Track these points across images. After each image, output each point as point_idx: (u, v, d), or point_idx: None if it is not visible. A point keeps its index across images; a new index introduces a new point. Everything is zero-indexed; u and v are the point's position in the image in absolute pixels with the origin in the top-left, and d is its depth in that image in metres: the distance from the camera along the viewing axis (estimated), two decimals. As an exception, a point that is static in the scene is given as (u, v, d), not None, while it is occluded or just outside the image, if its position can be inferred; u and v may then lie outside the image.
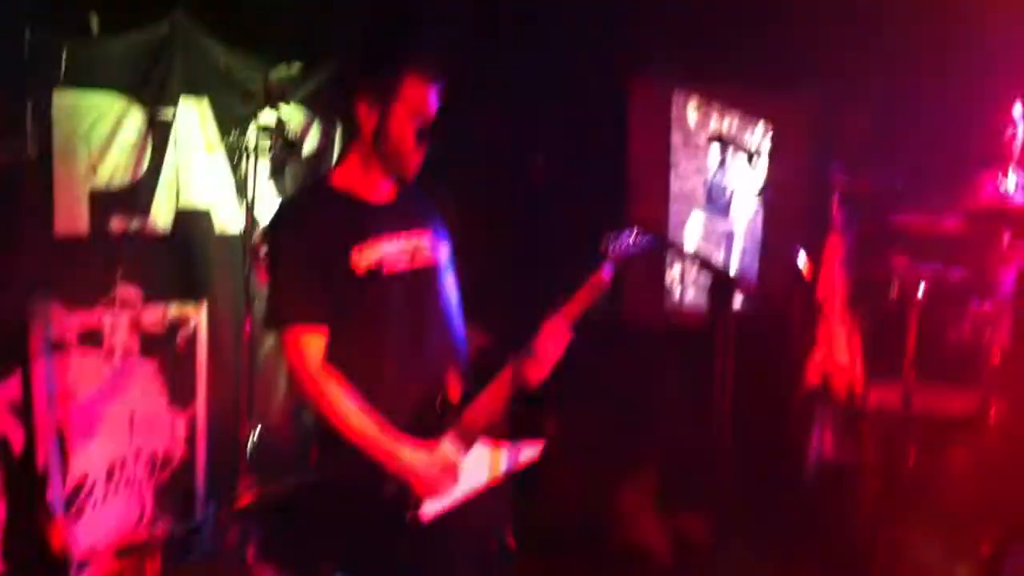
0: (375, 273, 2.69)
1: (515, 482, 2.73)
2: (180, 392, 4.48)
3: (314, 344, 2.65)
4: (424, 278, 2.79)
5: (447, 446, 2.71)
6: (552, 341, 2.76)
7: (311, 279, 2.64)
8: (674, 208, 6.49)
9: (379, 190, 2.79)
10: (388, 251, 2.73)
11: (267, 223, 2.84)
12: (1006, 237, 4.25)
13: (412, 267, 2.76)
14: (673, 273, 6.49)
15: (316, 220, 2.69)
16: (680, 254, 2.74)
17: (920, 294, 4.34)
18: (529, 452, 2.86)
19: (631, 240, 2.85)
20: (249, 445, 4.24)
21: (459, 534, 2.76)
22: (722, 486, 2.40)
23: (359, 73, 2.74)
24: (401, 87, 2.67)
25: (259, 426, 4.27)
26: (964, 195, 4.76)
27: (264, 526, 4.18)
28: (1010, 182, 4.89)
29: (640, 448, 5.40)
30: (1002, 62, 5.24)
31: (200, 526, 4.47)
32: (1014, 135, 4.82)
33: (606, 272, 2.82)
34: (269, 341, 4.74)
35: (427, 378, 2.76)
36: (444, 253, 2.87)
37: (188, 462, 4.53)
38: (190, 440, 4.52)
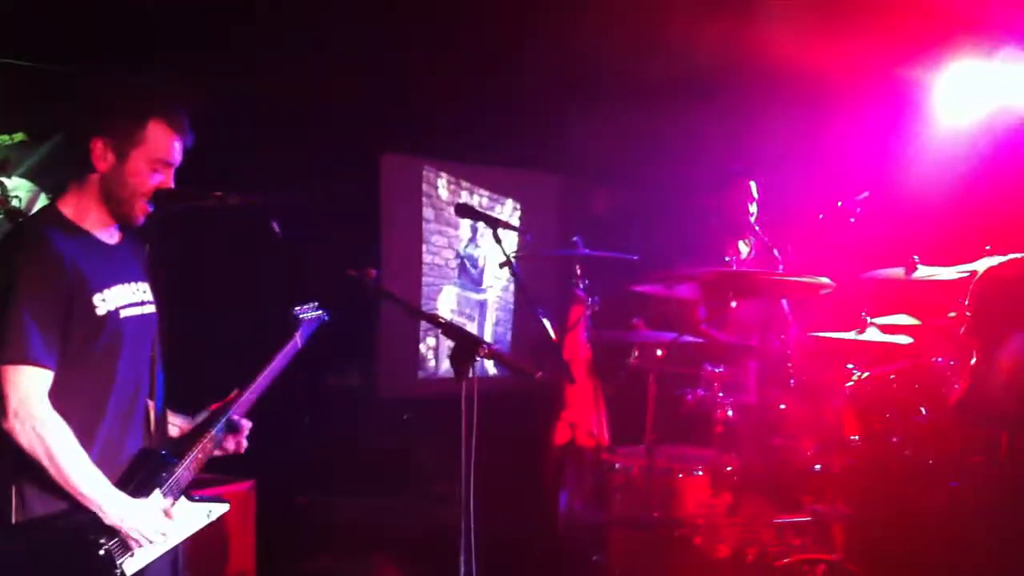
0: (112, 316, 2.64)
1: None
2: None
3: (41, 384, 2.51)
4: (149, 324, 2.80)
5: (159, 497, 2.69)
6: (247, 404, 2.95)
7: (48, 317, 2.52)
8: (427, 280, 6.59)
9: (106, 231, 2.73)
10: (124, 295, 2.70)
11: None
12: (734, 302, 4.50)
13: (141, 314, 2.75)
14: (428, 343, 6.57)
15: (58, 255, 2.55)
16: (424, 318, 2.96)
17: (657, 358, 4.58)
18: (219, 509, 2.91)
19: (314, 312, 3.17)
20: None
21: None
22: (467, 551, 2.42)
23: (101, 112, 2.66)
24: (145, 131, 2.64)
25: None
26: (696, 264, 5.04)
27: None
28: (743, 250, 5.24)
29: (395, 519, 5.41)
30: (732, 149, 5.71)
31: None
32: (747, 209, 5.17)
33: (297, 340, 3.09)
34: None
35: (146, 426, 2.77)
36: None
37: None
38: None
